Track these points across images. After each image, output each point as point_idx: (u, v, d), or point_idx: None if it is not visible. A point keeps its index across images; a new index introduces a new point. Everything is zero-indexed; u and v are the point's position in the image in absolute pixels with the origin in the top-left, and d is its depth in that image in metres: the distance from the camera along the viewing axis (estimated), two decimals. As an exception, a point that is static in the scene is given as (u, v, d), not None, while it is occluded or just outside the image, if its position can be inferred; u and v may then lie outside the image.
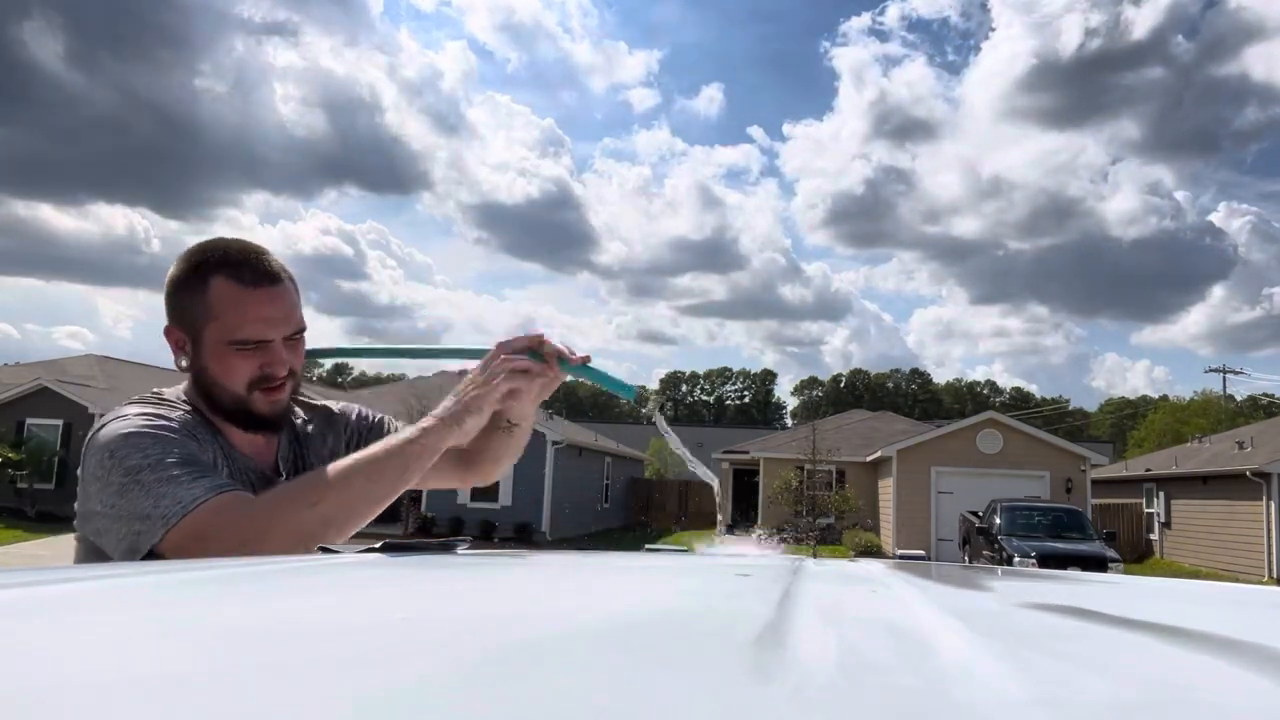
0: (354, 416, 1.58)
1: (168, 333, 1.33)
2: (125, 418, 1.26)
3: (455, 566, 0.92)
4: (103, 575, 0.70)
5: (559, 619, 0.56)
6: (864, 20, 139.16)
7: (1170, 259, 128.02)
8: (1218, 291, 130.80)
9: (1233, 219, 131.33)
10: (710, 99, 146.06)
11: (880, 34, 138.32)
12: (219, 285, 1.27)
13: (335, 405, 1.58)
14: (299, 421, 1.49)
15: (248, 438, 1.37)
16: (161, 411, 1.29)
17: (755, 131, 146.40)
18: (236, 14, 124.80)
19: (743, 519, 26.38)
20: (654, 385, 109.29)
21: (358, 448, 1.36)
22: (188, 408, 1.33)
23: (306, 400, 1.52)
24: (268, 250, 1.33)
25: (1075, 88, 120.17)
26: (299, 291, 1.36)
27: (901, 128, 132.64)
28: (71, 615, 0.53)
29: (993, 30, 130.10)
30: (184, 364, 1.33)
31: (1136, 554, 22.39)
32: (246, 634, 0.46)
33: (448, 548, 1.12)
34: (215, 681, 0.36)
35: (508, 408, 1.44)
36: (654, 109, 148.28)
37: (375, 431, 1.55)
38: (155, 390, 1.38)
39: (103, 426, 1.27)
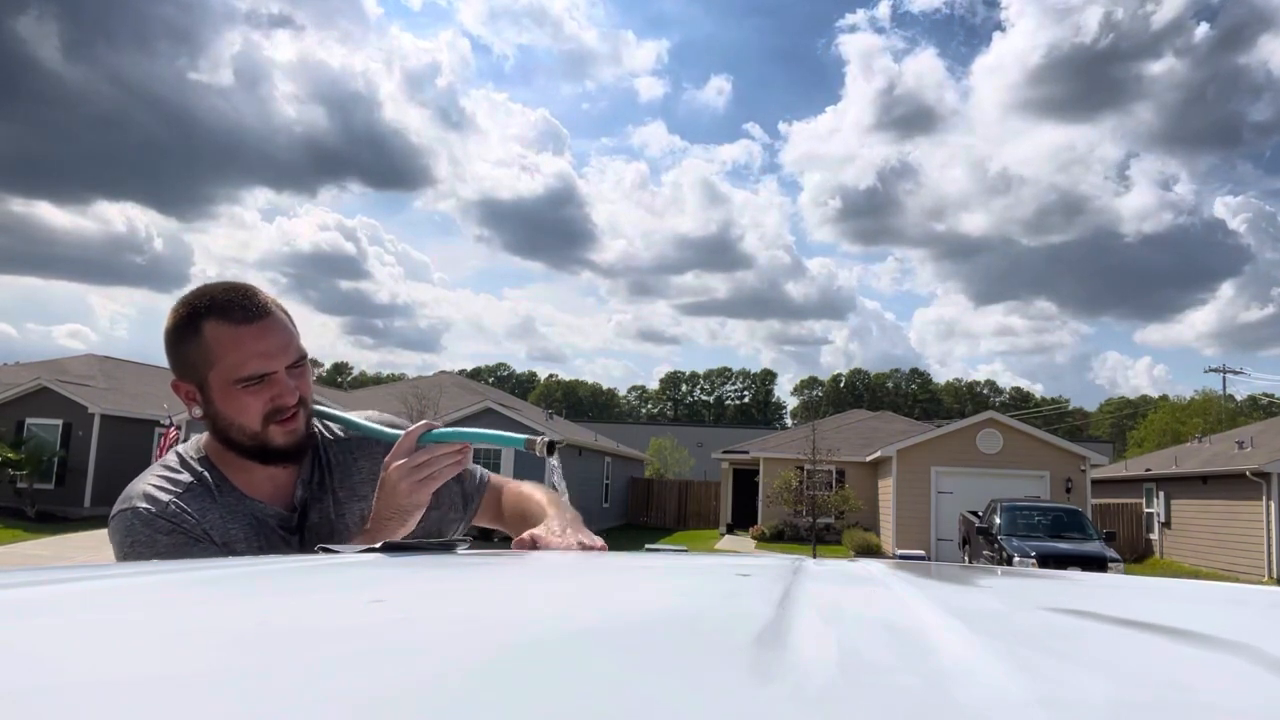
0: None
1: (175, 387, 1.35)
2: (135, 510, 1.28)
3: (455, 566, 0.92)
4: (103, 575, 0.70)
5: (559, 619, 0.56)
6: (868, 14, 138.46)
7: (1180, 255, 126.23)
8: (1227, 289, 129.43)
9: (1245, 215, 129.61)
10: (718, 89, 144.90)
11: (887, 26, 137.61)
12: (212, 329, 1.28)
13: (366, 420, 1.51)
14: (326, 448, 1.46)
15: (267, 474, 1.37)
16: (163, 499, 1.30)
17: (760, 127, 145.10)
18: (237, 8, 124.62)
19: (743, 519, 26.37)
20: (654, 385, 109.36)
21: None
22: (198, 468, 1.35)
23: (337, 415, 1.48)
24: (255, 287, 1.34)
25: (1087, 79, 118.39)
26: (293, 322, 1.37)
27: (907, 120, 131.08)
28: (71, 615, 0.53)
29: (1004, 21, 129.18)
30: (197, 413, 1.34)
31: (1136, 554, 22.37)
32: (246, 634, 0.46)
33: (448, 548, 1.12)
34: (215, 681, 0.36)
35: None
36: (658, 104, 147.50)
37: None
38: (177, 453, 1.38)
39: (119, 511, 1.30)
